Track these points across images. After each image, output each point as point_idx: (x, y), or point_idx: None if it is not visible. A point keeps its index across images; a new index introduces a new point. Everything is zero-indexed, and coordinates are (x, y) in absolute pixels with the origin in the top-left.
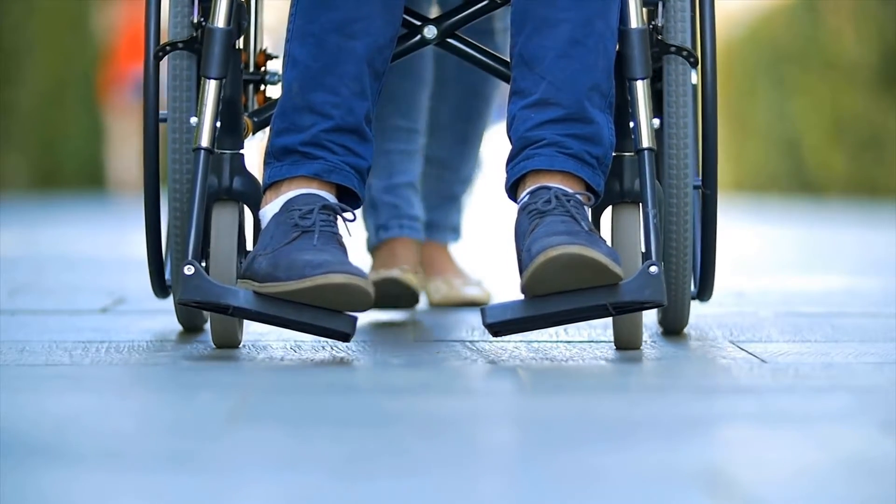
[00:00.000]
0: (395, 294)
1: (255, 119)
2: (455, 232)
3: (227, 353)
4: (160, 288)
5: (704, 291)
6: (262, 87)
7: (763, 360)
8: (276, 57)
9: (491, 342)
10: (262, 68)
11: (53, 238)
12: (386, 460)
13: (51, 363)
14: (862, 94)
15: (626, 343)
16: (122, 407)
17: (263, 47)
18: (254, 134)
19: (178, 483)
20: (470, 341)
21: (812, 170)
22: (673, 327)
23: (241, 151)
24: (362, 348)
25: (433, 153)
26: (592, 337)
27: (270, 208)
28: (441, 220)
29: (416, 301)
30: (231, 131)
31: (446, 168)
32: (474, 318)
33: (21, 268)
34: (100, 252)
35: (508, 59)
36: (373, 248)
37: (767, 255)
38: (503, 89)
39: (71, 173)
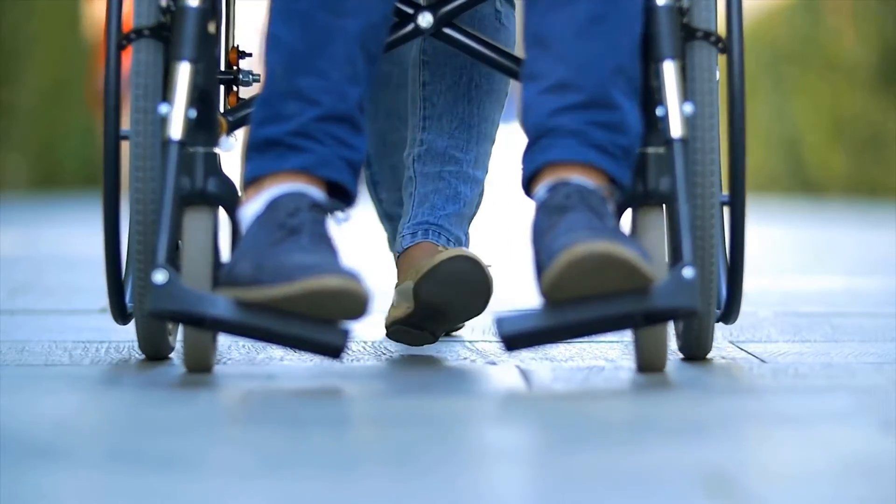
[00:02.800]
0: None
1: (230, 118)
2: (461, 243)
3: (226, 355)
4: (119, 312)
5: (731, 312)
6: (235, 88)
7: (763, 361)
8: (250, 55)
9: (490, 342)
10: (235, 67)
11: (53, 238)
12: (384, 461)
13: (50, 363)
14: (861, 95)
15: (650, 364)
16: (122, 407)
17: (235, 44)
18: (228, 134)
19: (178, 484)
20: (469, 341)
21: (812, 170)
22: (695, 353)
23: (216, 150)
24: (361, 348)
25: (430, 145)
26: (592, 337)
27: (251, 208)
28: (443, 223)
29: None
30: (205, 126)
31: (447, 161)
32: (474, 319)
33: (21, 268)
34: (99, 252)
35: (514, 52)
36: (397, 255)
37: (767, 255)
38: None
39: (70, 173)
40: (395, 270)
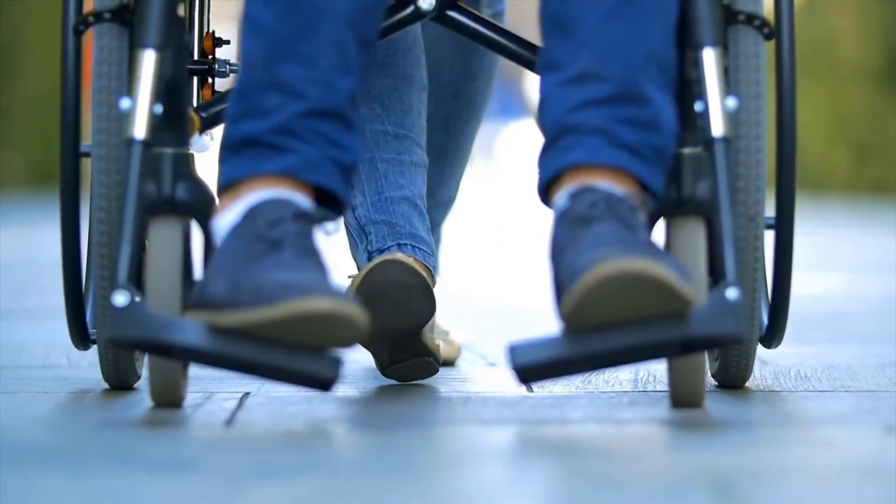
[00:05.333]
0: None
1: (204, 114)
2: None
3: None
4: (79, 336)
5: (774, 335)
6: (210, 80)
7: (764, 362)
8: (227, 42)
9: (489, 344)
10: (210, 56)
11: (53, 238)
12: (382, 463)
13: (48, 365)
14: (864, 95)
15: (687, 398)
16: (120, 410)
17: (211, 30)
18: (201, 133)
19: (176, 487)
20: (469, 342)
21: (814, 170)
22: (733, 381)
23: (187, 151)
24: (358, 352)
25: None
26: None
27: (227, 218)
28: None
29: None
30: (174, 123)
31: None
32: (474, 320)
33: (20, 268)
34: None
35: (523, 36)
36: None
37: (768, 255)
38: (504, 84)
39: None
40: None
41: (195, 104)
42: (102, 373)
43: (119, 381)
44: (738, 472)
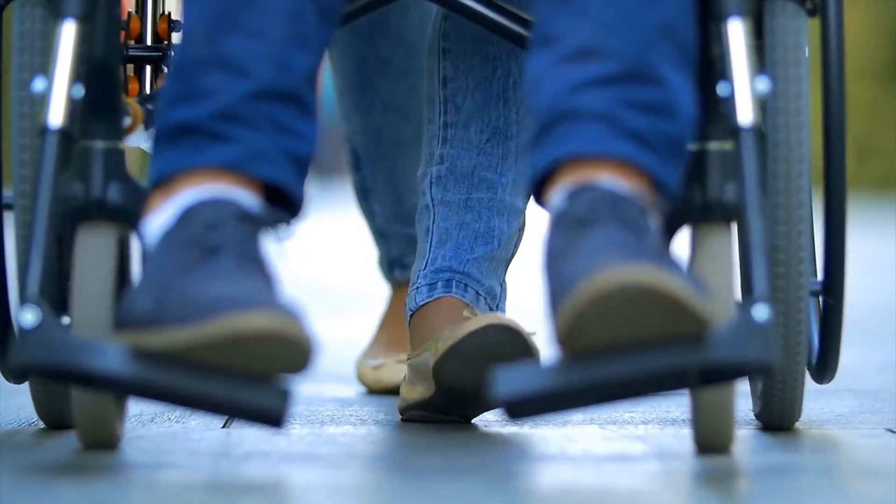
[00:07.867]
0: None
1: (149, 106)
2: (495, 297)
3: None
4: (7, 364)
5: (827, 365)
6: (164, 69)
7: None
8: None
9: None
10: (165, 41)
11: None
12: (381, 463)
13: None
14: (867, 92)
15: (713, 441)
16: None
17: (166, 11)
18: (147, 128)
19: (176, 488)
20: None
21: (815, 167)
22: (779, 421)
23: (120, 146)
24: (352, 354)
25: (453, 163)
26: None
27: (158, 220)
28: (470, 270)
29: None
30: (103, 111)
31: (476, 185)
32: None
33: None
34: None
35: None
36: (409, 313)
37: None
38: None
39: None
40: (409, 333)
41: (147, 95)
42: (35, 408)
43: (52, 417)
44: (739, 471)
